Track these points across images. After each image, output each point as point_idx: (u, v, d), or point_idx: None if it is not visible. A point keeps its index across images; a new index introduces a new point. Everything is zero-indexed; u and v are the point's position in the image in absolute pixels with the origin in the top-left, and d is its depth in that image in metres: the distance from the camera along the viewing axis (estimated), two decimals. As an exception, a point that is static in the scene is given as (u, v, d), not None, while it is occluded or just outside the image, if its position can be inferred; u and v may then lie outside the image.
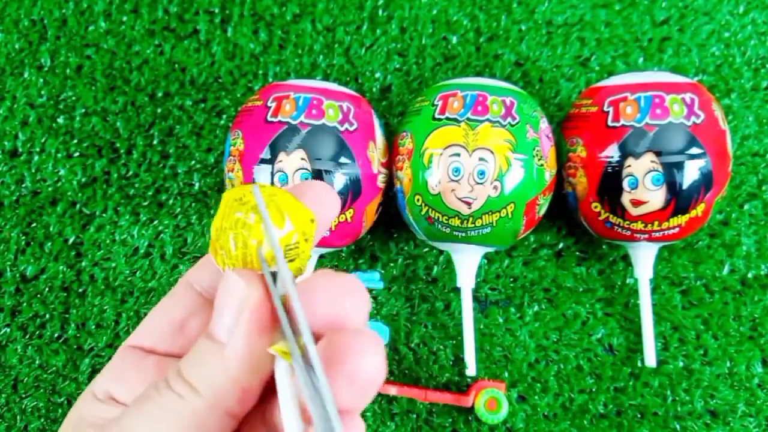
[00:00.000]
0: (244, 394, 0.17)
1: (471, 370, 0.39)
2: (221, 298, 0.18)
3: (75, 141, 0.45)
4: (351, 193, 0.36)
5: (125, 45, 0.47)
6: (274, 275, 0.18)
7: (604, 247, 0.43)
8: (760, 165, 0.44)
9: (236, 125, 0.38)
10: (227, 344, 0.17)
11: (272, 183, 0.36)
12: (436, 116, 0.36)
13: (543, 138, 0.37)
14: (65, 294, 0.43)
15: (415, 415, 0.41)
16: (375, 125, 0.38)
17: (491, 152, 0.35)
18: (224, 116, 0.45)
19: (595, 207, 0.37)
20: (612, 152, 0.36)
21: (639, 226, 0.36)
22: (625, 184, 0.36)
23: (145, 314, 0.42)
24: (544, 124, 0.38)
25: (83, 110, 0.46)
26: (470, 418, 0.40)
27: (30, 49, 0.47)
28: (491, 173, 0.35)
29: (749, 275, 0.42)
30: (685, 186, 0.35)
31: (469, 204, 0.35)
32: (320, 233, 0.20)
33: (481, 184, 0.35)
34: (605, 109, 0.37)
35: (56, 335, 0.43)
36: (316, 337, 0.17)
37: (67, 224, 0.44)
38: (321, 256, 0.42)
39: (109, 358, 0.25)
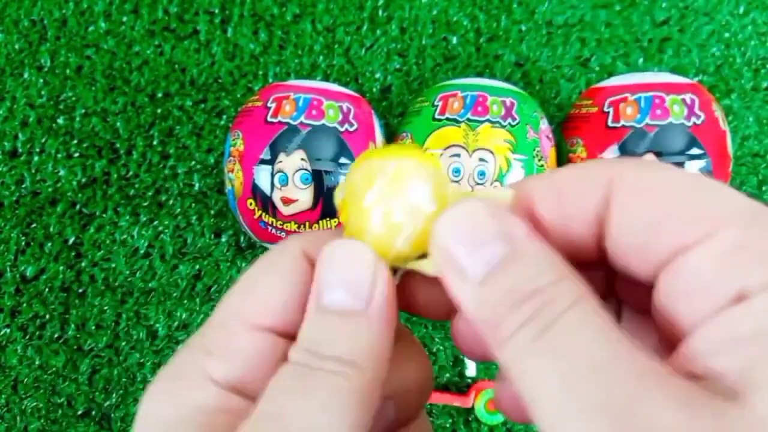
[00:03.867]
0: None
1: (471, 370, 0.39)
2: (346, 265, 0.16)
3: (75, 141, 0.45)
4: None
5: (125, 45, 0.47)
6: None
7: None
8: (761, 165, 0.44)
9: (236, 126, 0.38)
10: (368, 311, 0.16)
11: (272, 184, 0.36)
12: (436, 117, 0.36)
13: (543, 138, 0.37)
14: (65, 294, 0.43)
15: (415, 416, 0.41)
16: (375, 126, 0.38)
17: (491, 153, 0.35)
18: (224, 117, 0.45)
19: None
20: (612, 153, 0.36)
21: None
22: (625, 184, 0.36)
23: (145, 315, 0.43)
24: (544, 125, 0.38)
25: (83, 111, 0.46)
26: (470, 418, 0.40)
27: (30, 49, 0.47)
28: (491, 174, 0.35)
29: (749, 276, 0.42)
30: (685, 187, 0.35)
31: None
32: None
33: (482, 184, 0.35)
34: (605, 109, 0.37)
35: (56, 336, 0.43)
36: None
37: (66, 224, 0.44)
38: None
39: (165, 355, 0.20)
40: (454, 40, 0.46)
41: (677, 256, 0.14)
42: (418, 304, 0.18)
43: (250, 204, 0.37)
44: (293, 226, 0.37)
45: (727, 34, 0.46)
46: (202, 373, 0.16)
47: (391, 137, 0.41)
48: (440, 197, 0.16)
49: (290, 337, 0.17)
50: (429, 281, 0.17)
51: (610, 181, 0.15)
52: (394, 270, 0.17)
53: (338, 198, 0.18)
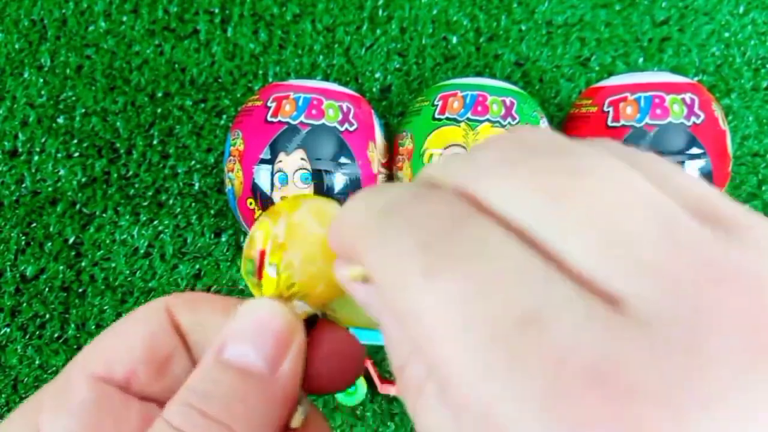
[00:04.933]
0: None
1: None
2: (262, 324, 0.15)
3: (75, 141, 0.45)
4: (351, 193, 0.36)
5: (125, 45, 0.47)
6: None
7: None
8: (760, 165, 0.44)
9: (236, 125, 0.38)
10: (273, 377, 0.15)
11: (272, 183, 0.36)
12: (436, 116, 0.36)
13: (543, 138, 0.37)
14: (65, 294, 0.43)
15: (415, 415, 0.41)
16: (375, 125, 0.38)
17: (491, 152, 0.35)
18: (224, 116, 0.45)
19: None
20: (612, 152, 0.36)
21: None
22: (625, 184, 0.36)
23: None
24: (544, 124, 0.38)
25: (83, 110, 0.46)
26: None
27: (30, 49, 0.47)
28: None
29: (749, 275, 0.42)
30: (685, 186, 0.35)
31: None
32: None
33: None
34: (605, 109, 0.37)
35: (56, 335, 0.43)
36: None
37: (67, 224, 0.44)
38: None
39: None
40: (454, 39, 0.46)
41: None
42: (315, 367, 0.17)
43: (250, 204, 0.37)
44: (293, 226, 0.37)
45: (727, 34, 0.46)
46: (31, 429, 0.15)
47: (391, 137, 0.41)
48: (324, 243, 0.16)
49: (130, 391, 0.16)
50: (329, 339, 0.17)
51: None
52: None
53: (251, 251, 0.17)
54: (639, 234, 0.10)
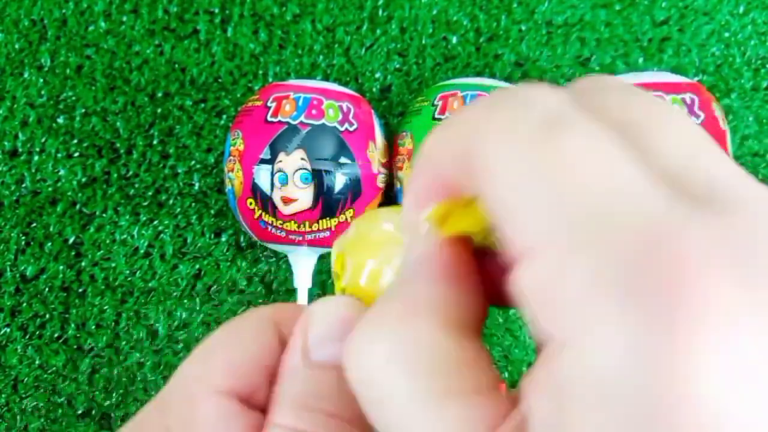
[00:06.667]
0: None
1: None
2: (340, 320, 0.16)
3: (75, 141, 0.45)
4: (351, 193, 0.36)
5: (125, 45, 0.47)
6: None
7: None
8: (760, 165, 0.44)
9: (236, 125, 0.38)
10: None
11: (272, 183, 0.36)
12: (437, 116, 0.36)
13: (543, 138, 0.37)
14: (65, 294, 0.43)
15: (415, 415, 0.41)
16: (375, 125, 0.38)
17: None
18: (224, 116, 0.45)
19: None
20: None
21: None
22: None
23: (145, 315, 0.43)
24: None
25: (83, 110, 0.46)
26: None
27: (30, 49, 0.47)
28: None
29: (749, 275, 0.42)
30: (685, 186, 0.35)
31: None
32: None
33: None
34: (605, 109, 0.37)
35: (56, 335, 0.43)
36: None
37: (67, 224, 0.44)
38: (321, 256, 0.42)
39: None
40: (454, 39, 0.46)
41: None
42: None
43: (250, 203, 0.37)
44: (293, 226, 0.37)
45: (727, 34, 0.46)
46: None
47: (391, 137, 0.41)
48: None
49: (251, 404, 0.16)
50: None
51: None
52: None
53: (338, 247, 0.17)
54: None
